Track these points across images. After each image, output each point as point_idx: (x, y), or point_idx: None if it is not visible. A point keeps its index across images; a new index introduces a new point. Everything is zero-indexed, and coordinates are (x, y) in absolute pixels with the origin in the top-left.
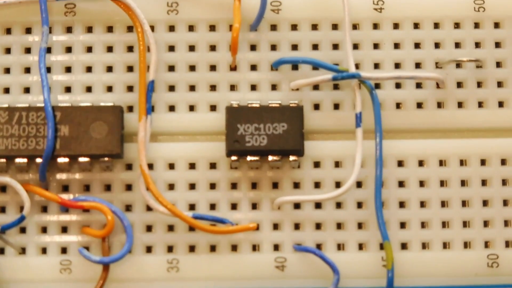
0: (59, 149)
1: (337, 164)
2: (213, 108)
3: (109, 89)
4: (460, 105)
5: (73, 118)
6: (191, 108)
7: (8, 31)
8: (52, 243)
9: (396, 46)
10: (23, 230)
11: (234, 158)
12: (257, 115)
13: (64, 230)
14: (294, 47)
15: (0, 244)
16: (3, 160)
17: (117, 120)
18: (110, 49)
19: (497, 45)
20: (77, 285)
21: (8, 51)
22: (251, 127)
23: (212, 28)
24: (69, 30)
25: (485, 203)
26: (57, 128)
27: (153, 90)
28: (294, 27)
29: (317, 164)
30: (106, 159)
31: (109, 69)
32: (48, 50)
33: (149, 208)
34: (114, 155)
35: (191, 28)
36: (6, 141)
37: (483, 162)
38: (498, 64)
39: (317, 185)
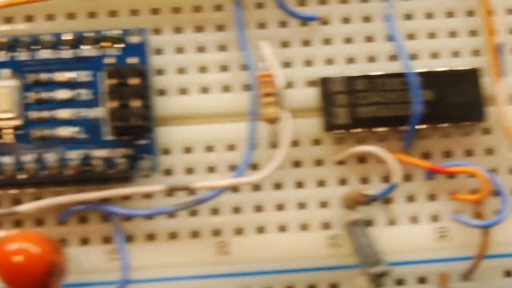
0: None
1: None
2: None
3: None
4: None
5: (432, 83)
6: None
7: None
8: (422, 211)
9: None
10: (387, 200)
11: None
12: None
13: (432, 197)
14: None
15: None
16: (364, 129)
17: (476, 84)
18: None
19: None
20: (455, 251)
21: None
22: None
23: None
24: None
25: None
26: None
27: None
28: None
29: None
30: (466, 123)
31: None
32: None
33: None
34: (475, 119)
35: None
36: (367, 109)
37: None
38: None
39: None
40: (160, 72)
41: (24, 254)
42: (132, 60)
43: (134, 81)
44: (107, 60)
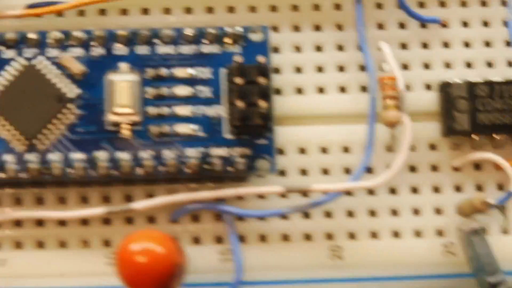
0: None
1: None
2: None
3: None
4: None
5: None
6: None
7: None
8: None
9: None
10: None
11: None
12: None
13: None
14: None
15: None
16: (484, 135)
17: None
18: None
19: None
20: None
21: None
22: None
23: None
24: None
25: None
26: None
27: None
28: None
29: None
30: None
31: None
32: None
33: None
34: None
35: None
36: (488, 115)
37: None
38: None
39: None
40: (277, 70)
41: (149, 254)
42: (256, 58)
43: (258, 79)
44: (234, 58)
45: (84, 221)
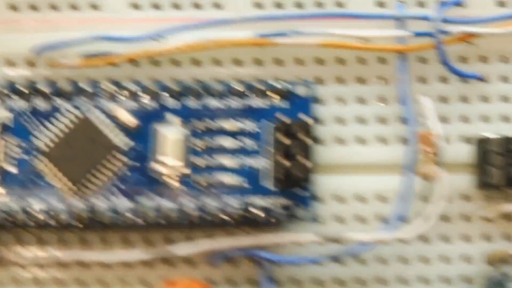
0: None
1: None
2: None
3: None
4: None
5: None
6: None
7: None
8: None
9: None
10: None
11: None
12: None
13: None
14: None
15: None
16: None
17: None
18: None
19: None
20: None
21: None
22: None
23: None
24: None
25: None
26: None
27: None
28: None
29: None
30: None
31: None
32: None
33: None
34: None
35: None
36: None
37: None
38: None
39: None
40: (319, 121)
41: None
42: (300, 115)
43: (302, 138)
44: (279, 115)
45: (126, 264)
